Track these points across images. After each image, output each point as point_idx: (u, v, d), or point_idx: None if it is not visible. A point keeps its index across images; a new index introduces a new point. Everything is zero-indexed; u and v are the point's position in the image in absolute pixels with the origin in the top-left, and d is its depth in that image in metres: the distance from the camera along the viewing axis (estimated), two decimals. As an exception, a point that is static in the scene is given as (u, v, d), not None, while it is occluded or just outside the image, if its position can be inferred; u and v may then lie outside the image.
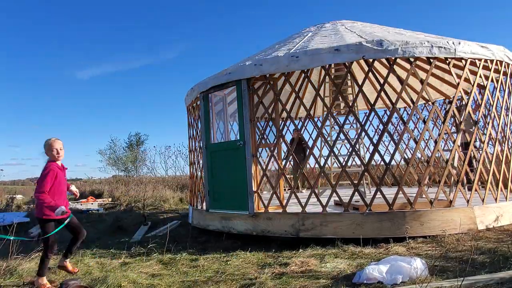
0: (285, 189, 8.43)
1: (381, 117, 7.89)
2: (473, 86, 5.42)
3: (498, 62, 5.76)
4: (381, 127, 8.93)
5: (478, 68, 5.48)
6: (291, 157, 7.63)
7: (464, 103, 5.64)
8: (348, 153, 6.83)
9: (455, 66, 5.52)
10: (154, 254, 4.85)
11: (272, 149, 5.69)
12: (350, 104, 5.60)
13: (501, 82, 5.92)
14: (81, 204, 12.01)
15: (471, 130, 5.62)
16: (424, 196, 5.02)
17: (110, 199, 14.65)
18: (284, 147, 8.62)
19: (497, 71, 5.84)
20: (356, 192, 5.02)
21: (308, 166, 10.59)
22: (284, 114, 5.79)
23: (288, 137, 10.20)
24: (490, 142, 5.88)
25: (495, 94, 5.73)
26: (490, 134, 5.61)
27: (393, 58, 5.12)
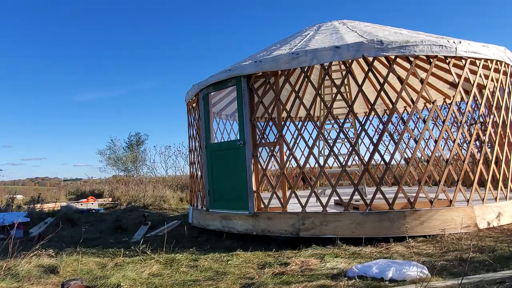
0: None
1: (381, 117, 7.90)
2: (473, 85, 5.42)
3: (498, 62, 5.77)
4: (381, 126, 8.93)
5: (478, 67, 5.48)
6: None
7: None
8: (348, 153, 6.84)
9: (455, 65, 5.52)
10: (155, 254, 4.85)
11: (272, 148, 5.69)
12: (349, 104, 5.60)
13: (501, 82, 5.93)
14: (81, 204, 12.01)
15: None
16: (424, 195, 5.02)
17: (110, 199, 14.66)
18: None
19: (497, 70, 5.85)
20: (356, 192, 5.02)
21: (308, 165, 10.59)
22: (284, 114, 5.78)
23: (288, 137, 10.19)
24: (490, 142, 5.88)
25: (495, 94, 5.73)
26: (490, 133, 5.61)
27: (393, 57, 5.13)
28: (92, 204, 12.10)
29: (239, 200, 5.67)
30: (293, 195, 5.29)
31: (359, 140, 8.33)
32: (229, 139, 8.42)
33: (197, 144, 7.10)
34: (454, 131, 7.52)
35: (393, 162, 10.36)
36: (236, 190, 5.74)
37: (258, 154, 5.98)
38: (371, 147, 6.48)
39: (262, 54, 6.28)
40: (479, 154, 5.48)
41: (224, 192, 6.05)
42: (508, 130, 5.97)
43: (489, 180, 5.37)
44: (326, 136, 8.51)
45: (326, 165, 6.62)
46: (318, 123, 9.08)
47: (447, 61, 5.28)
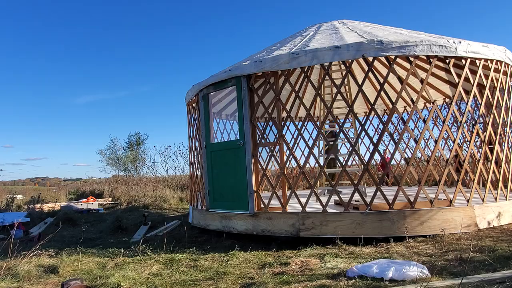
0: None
1: (381, 117, 7.90)
2: (473, 85, 5.43)
3: (498, 62, 5.76)
4: (381, 126, 8.92)
5: (478, 67, 5.48)
6: None
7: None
8: (348, 153, 6.84)
9: (455, 65, 5.53)
10: (155, 254, 4.85)
11: (272, 148, 5.69)
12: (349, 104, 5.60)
13: (501, 82, 5.93)
14: (81, 204, 12.01)
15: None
16: (424, 195, 5.02)
17: (110, 199, 14.66)
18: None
19: (497, 70, 5.85)
20: (356, 192, 5.02)
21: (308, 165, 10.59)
22: (284, 114, 5.78)
23: (288, 137, 10.18)
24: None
25: (495, 94, 5.74)
26: (490, 133, 5.62)
27: (393, 57, 5.13)
28: (92, 204, 12.09)
29: (239, 200, 5.66)
30: (293, 195, 5.29)
31: (359, 140, 8.33)
32: (229, 139, 8.42)
33: (197, 144, 7.10)
34: (454, 131, 7.52)
35: (393, 162, 10.37)
36: (236, 190, 5.73)
37: (258, 154, 5.98)
38: (371, 147, 6.48)
39: (262, 54, 6.28)
40: (479, 154, 5.49)
41: (224, 192, 6.05)
42: (508, 130, 5.97)
43: (489, 180, 5.37)
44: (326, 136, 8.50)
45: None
46: (318, 123, 9.08)
47: (447, 61, 5.28)
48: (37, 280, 3.92)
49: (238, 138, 5.84)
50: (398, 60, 5.28)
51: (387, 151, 10.47)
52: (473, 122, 6.70)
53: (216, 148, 6.34)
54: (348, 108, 5.50)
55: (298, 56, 5.26)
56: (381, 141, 8.89)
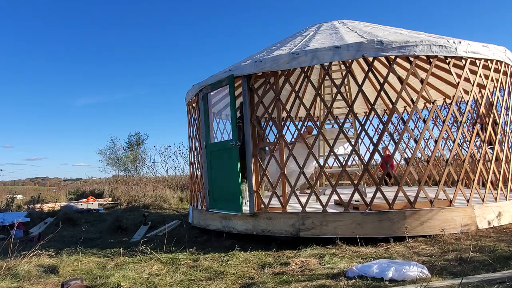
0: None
1: (381, 117, 7.90)
2: (473, 85, 5.43)
3: (498, 62, 5.77)
4: (381, 126, 8.92)
5: (478, 67, 5.48)
6: None
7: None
8: (348, 153, 6.83)
9: (455, 65, 5.53)
10: (155, 254, 4.85)
11: (272, 148, 5.68)
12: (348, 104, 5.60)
13: (501, 82, 5.93)
14: (81, 204, 12.00)
15: None
16: (424, 195, 5.02)
17: (110, 199, 14.65)
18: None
19: (497, 70, 5.85)
20: (356, 192, 5.02)
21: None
22: (284, 114, 5.78)
23: (288, 137, 10.18)
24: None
25: (495, 94, 5.74)
26: (490, 133, 5.62)
27: (393, 57, 5.12)
28: (92, 204, 12.08)
29: (232, 201, 5.65)
30: (293, 195, 5.29)
31: (359, 140, 8.33)
32: (228, 139, 8.41)
33: (197, 144, 7.10)
34: (454, 131, 7.52)
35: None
36: (230, 191, 5.73)
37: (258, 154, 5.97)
38: (371, 147, 6.47)
39: (262, 54, 6.28)
40: (479, 154, 5.49)
41: (222, 192, 6.04)
42: (508, 130, 5.97)
43: (489, 180, 5.37)
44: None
45: (326, 165, 6.62)
46: (318, 123, 9.07)
47: (447, 61, 5.28)
48: (37, 280, 3.92)
49: (231, 138, 5.82)
50: (398, 60, 5.28)
51: (387, 150, 10.46)
52: (473, 122, 6.71)
53: (216, 148, 6.34)
54: (348, 108, 5.50)
55: (298, 56, 5.26)
56: (381, 141, 8.89)
